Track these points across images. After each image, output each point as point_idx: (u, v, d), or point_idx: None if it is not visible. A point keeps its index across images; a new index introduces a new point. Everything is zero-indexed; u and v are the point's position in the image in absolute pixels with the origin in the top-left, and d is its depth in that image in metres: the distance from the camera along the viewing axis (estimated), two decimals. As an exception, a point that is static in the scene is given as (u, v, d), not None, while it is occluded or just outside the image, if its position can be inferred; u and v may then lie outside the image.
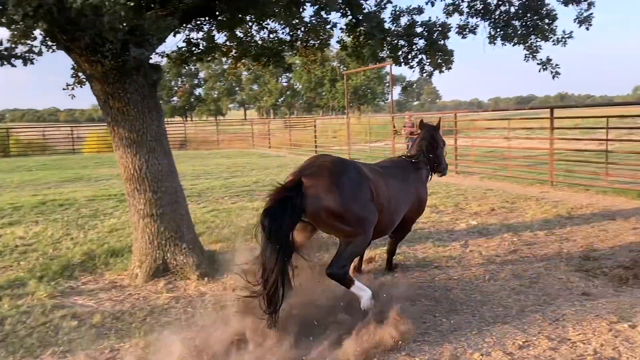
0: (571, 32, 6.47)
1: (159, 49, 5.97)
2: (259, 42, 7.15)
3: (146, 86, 5.31)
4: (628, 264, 5.05)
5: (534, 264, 5.29)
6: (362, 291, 3.91)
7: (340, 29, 6.82)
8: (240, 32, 6.95)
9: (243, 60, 7.64)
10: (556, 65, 6.51)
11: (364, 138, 22.45)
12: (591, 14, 6.39)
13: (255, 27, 7.02)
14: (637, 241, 5.88)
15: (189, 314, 4.41)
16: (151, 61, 5.58)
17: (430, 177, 5.30)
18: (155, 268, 5.34)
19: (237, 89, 75.10)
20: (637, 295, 4.30)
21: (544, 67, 6.58)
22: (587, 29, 6.46)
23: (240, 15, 5.74)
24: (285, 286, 3.51)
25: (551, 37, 6.62)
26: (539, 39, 6.63)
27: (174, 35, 6.60)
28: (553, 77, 6.56)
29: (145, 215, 5.32)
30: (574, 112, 22.79)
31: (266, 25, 6.95)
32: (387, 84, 54.09)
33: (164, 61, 7.01)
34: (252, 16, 6.20)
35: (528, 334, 3.66)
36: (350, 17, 6.61)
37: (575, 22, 6.46)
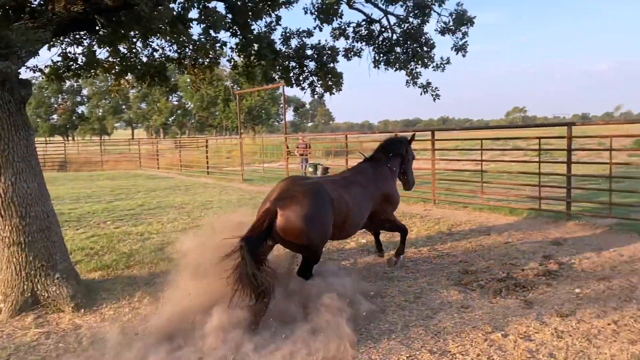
0: (448, 58, 6.95)
1: (30, 63, 5.48)
2: (144, 59, 6.86)
3: (13, 102, 4.82)
4: (502, 277, 5.41)
5: (418, 280, 5.48)
6: None
7: (231, 48, 6.74)
8: (123, 47, 6.62)
9: (127, 78, 7.29)
10: (436, 88, 6.96)
11: (258, 158, 22.35)
12: (466, 42, 6.90)
13: (139, 44, 6.73)
14: (509, 254, 6.33)
15: (60, 350, 4.01)
16: (21, 76, 5.09)
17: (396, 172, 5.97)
18: (23, 301, 4.83)
19: (124, 107, 71.62)
20: (509, 306, 4.60)
21: (425, 90, 6.98)
22: (464, 56, 6.96)
23: (122, 31, 5.45)
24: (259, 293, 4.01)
25: (430, 64, 7.05)
26: (419, 65, 7.03)
27: (49, 49, 6.13)
28: (434, 99, 6.99)
29: (11, 243, 4.80)
30: (454, 135, 24.54)
31: (151, 42, 6.68)
32: (282, 105, 54.66)
33: (38, 76, 6.49)
34: (136, 32, 5.93)
35: (412, 349, 3.76)
36: (240, 36, 6.56)
37: (452, 49, 6.95)
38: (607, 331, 3.95)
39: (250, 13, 6.22)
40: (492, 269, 5.74)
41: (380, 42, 7.01)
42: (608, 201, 7.98)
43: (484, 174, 10.27)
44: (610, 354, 3.57)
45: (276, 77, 7.42)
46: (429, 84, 6.89)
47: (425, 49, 6.94)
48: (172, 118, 69.05)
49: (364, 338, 4.01)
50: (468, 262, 6.11)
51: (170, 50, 6.84)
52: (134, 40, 6.51)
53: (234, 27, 6.38)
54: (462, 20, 6.47)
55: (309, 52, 6.99)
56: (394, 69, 6.96)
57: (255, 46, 6.55)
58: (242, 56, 6.92)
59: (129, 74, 6.85)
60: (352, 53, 7.14)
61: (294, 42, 6.94)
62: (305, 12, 6.81)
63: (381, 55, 6.94)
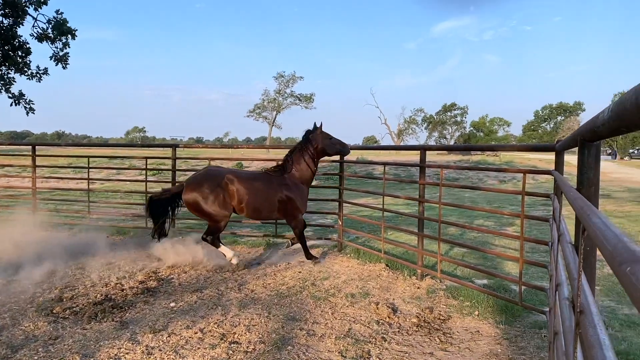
0: (46, 68, 6.40)
1: None
2: None
3: None
4: (99, 300, 5.22)
5: (1, 315, 4.76)
6: (226, 251, 6.71)
7: None
8: None
9: None
10: (30, 101, 6.30)
11: None
12: (67, 53, 6.50)
13: None
14: (110, 275, 6.18)
15: None
16: None
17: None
18: None
19: None
20: (104, 330, 4.45)
21: (17, 102, 6.23)
22: (64, 67, 6.53)
23: None
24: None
25: (26, 71, 6.35)
26: (11, 70, 6.24)
27: None
28: (27, 114, 6.31)
29: None
30: (63, 151, 22.92)
31: None
32: None
33: None
34: None
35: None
36: None
37: (51, 59, 6.43)
38: (193, 340, 4.23)
39: None
40: (90, 293, 5.49)
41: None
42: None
43: (96, 194, 9.86)
44: (192, 361, 3.83)
45: None
46: (22, 94, 6.19)
47: (19, 52, 6.21)
48: None
49: None
50: (66, 287, 5.68)
51: None
52: None
53: None
54: (61, 29, 6.07)
55: None
56: (-22, 70, 5.98)
57: None
58: None
59: None
60: None
61: None
62: None
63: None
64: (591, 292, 1.28)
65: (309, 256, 6.96)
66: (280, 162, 7.10)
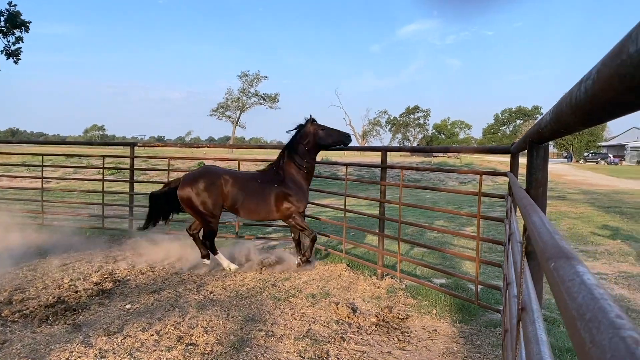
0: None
1: None
2: None
3: None
4: (51, 302, 5.04)
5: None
6: (221, 260, 6.62)
7: None
8: None
9: None
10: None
11: None
12: (20, 47, 6.28)
13: None
14: (64, 277, 5.99)
15: None
16: None
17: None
18: None
19: None
20: (55, 333, 4.31)
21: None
22: (16, 62, 6.30)
23: None
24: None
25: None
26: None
27: None
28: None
29: None
30: (19, 149, 22.17)
31: None
32: None
33: None
34: None
35: None
36: None
37: (2, 53, 6.20)
38: (149, 342, 4.14)
39: None
40: (42, 295, 5.30)
41: None
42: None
43: (51, 193, 9.56)
44: (148, 364, 3.75)
45: None
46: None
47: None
48: None
49: None
50: (16, 290, 5.47)
51: None
52: None
53: None
54: (14, 22, 5.86)
55: None
56: None
57: None
58: None
59: None
60: None
61: None
62: None
63: None
64: (534, 289, 1.31)
65: (306, 258, 6.68)
66: (274, 161, 6.85)
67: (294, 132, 6.82)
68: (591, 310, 0.38)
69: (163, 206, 6.81)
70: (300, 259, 6.66)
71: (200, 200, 6.37)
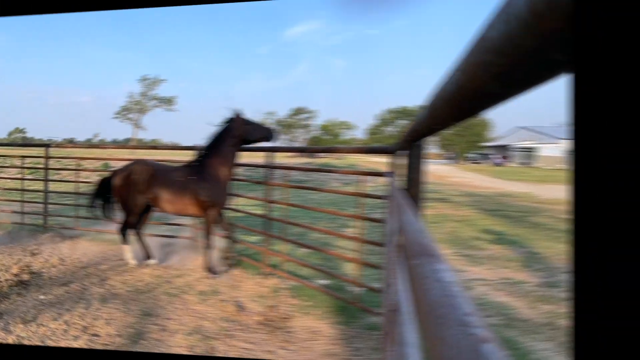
0: None
1: None
2: None
3: None
4: None
5: None
6: (127, 250, 6.78)
7: None
8: None
9: None
10: None
11: None
12: None
13: None
14: None
15: None
16: None
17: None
18: None
19: None
20: None
21: None
22: None
23: None
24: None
25: None
26: None
27: None
28: None
29: None
30: None
31: None
32: None
33: None
34: None
35: None
36: None
37: None
38: (59, 331, 4.46)
39: None
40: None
41: None
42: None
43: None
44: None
45: None
46: None
47: None
48: None
49: None
50: None
51: None
52: None
53: None
54: None
55: None
56: None
57: None
58: None
59: None
60: None
61: None
62: None
63: None
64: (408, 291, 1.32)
65: (211, 267, 6.40)
66: (199, 154, 6.57)
67: (222, 126, 6.56)
68: (443, 306, 0.34)
69: (105, 189, 6.89)
70: (209, 269, 6.41)
71: (123, 190, 6.54)
